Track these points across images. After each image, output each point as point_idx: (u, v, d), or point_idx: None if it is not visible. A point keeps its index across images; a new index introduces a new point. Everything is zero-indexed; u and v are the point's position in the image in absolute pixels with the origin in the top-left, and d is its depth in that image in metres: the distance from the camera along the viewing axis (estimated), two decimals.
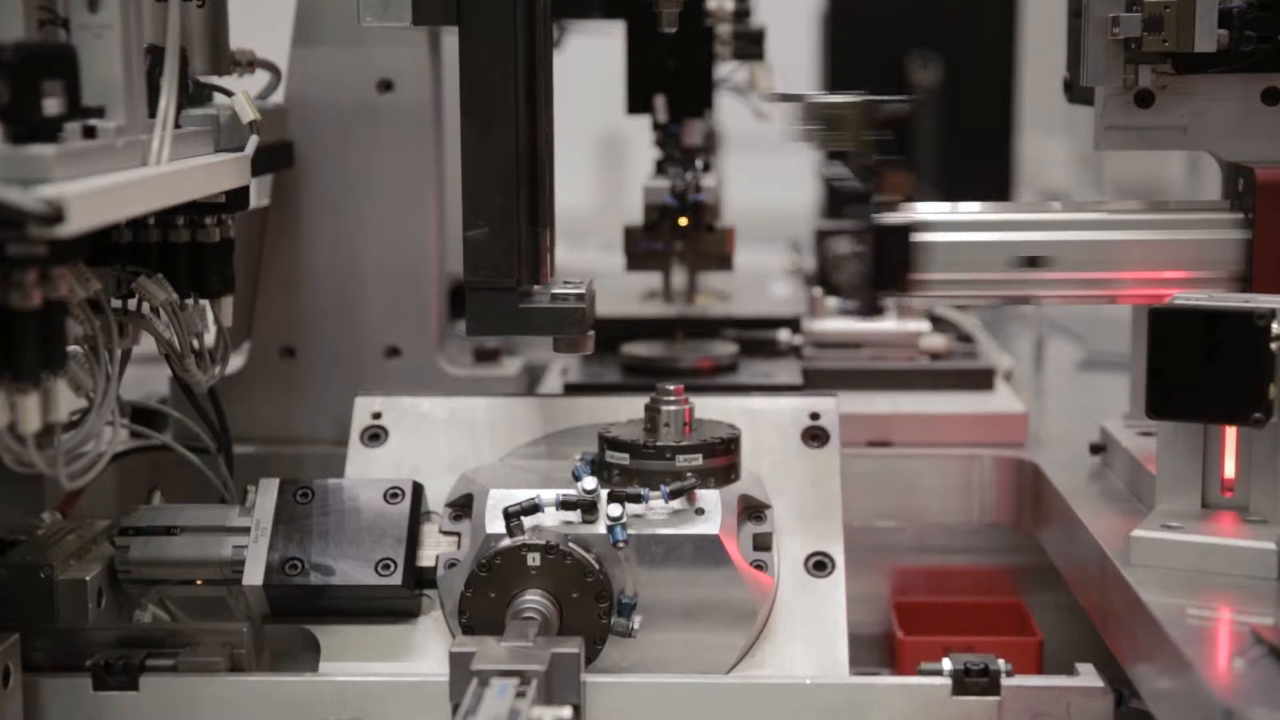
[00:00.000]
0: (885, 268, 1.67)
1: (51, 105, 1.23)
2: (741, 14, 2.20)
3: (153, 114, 1.41)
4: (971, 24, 3.23)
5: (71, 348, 1.35)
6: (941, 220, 1.68)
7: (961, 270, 1.70)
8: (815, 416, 1.68)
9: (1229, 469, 1.52)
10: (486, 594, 1.48)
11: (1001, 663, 1.45)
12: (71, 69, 1.28)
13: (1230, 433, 1.51)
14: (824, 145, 1.65)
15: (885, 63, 3.22)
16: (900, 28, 3.23)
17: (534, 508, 1.50)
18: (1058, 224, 1.71)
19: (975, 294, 1.78)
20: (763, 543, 1.57)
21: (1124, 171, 4.16)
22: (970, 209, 1.74)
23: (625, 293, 2.39)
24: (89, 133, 1.28)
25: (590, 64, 2.60)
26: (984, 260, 1.70)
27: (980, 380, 2.12)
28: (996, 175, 3.21)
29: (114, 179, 1.27)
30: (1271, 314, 1.44)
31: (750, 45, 2.23)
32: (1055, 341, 2.63)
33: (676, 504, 1.52)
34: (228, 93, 1.62)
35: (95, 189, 1.22)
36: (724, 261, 2.17)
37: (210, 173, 1.51)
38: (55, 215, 1.13)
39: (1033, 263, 1.67)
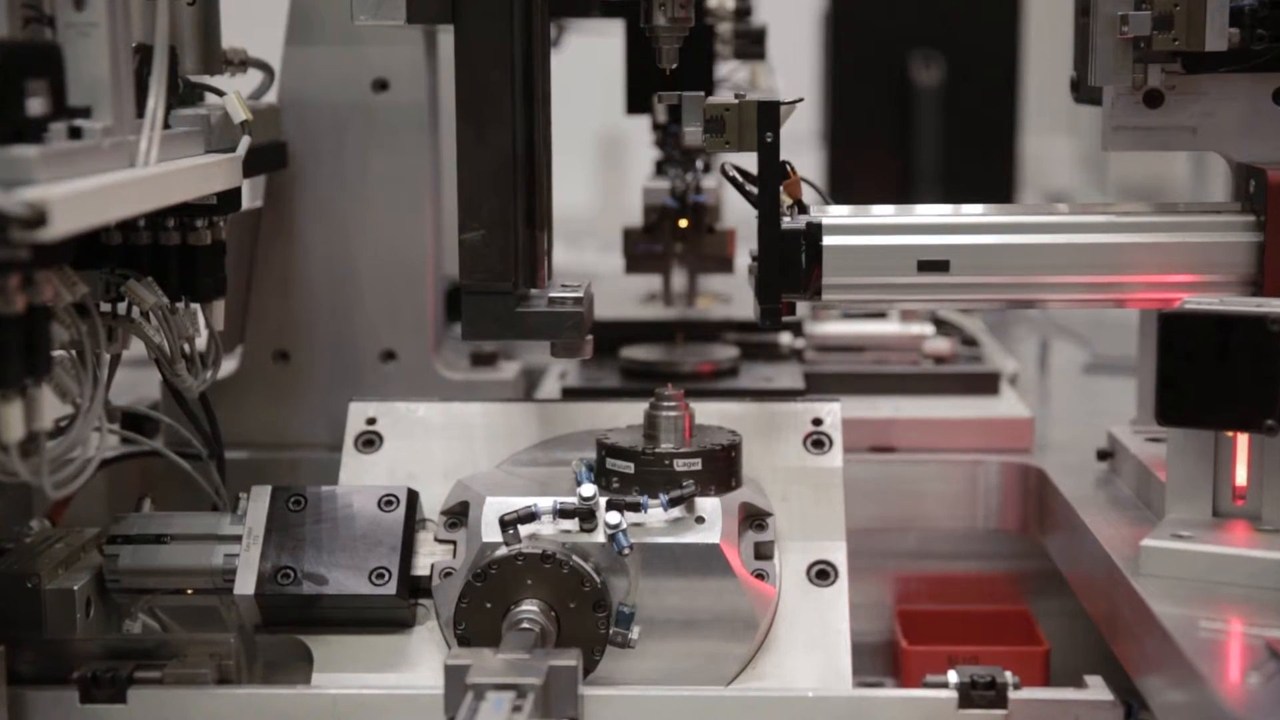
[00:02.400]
0: (789, 271, 1.63)
1: (35, 105, 1.21)
2: (742, 13, 2.18)
3: (141, 114, 1.38)
4: (974, 23, 3.20)
5: (58, 353, 1.33)
6: (842, 224, 1.65)
7: (861, 274, 1.66)
8: (817, 422, 1.65)
9: (1240, 477, 1.50)
10: (482, 604, 1.45)
11: (1009, 675, 1.43)
12: (57, 68, 1.26)
13: (1242, 439, 1.49)
14: (716, 146, 1.60)
15: (887, 62, 3.21)
16: (902, 27, 3.22)
17: (531, 516, 1.47)
18: (959, 227, 1.67)
19: (878, 298, 1.74)
20: (764, 551, 1.55)
21: (1128, 172, 4.14)
22: (871, 212, 1.69)
23: (624, 295, 2.37)
24: (74, 133, 1.26)
25: (590, 63, 2.58)
26: (887, 264, 1.66)
27: (985, 384, 2.10)
28: (999, 176, 3.19)
29: (100, 181, 1.24)
30: None
31: (751, 44, 2.21)
32: (1060, 344, 2.61)
33: (676, 512, 1.49)
34: (219, 92, 1.60)
35: (80, 191, 1.19)
36: (725, 264, 2.15)
37: (201, 174, 1.48)
38: (37, 218, 1.10)
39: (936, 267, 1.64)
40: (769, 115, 1.59)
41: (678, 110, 1.62)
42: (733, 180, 1.63)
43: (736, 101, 1.59)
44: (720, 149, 1.61)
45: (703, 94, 1.60)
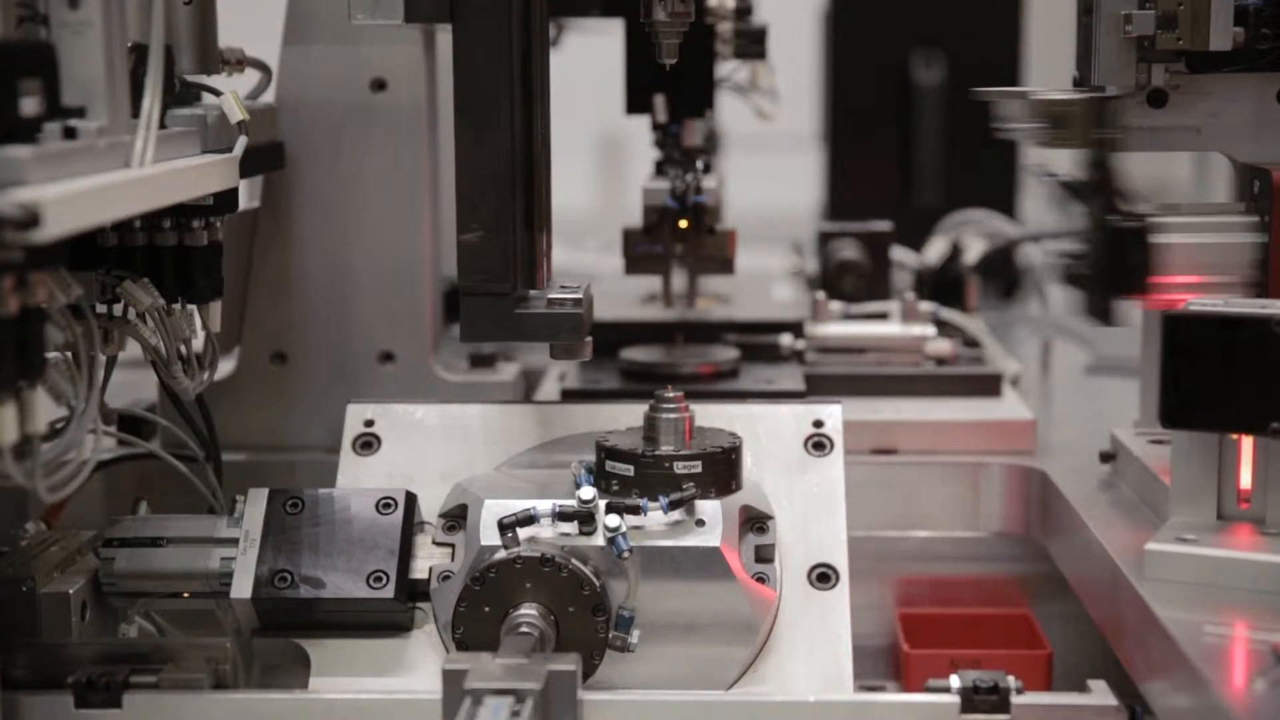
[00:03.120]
0: (1123, 270, 1.61)
1: (29, 105, 1.20)
2: (743, 12, 2.17)
3: (137, 114, 1.37)
4: (975, 22, 3.19)
5: (52, 355, 1.32)
6: (1179, 221, 1.63)
7: (1203, 272, 1.64)
8: (818, 424, 1.64)
9: (1245, 480, 1.49)
10: (481, 608, 1.44)
11: (1011, 680, 1.41)
12: (50, 67, 1.25)
13: (1246, 442, 1.48)
14: (1051, 144, 1.59)
15: (887, 62, 3.20)
16: (903, 26, 3.21)
17: (529, 519, 1.46)
18: None
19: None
20: (765, 554, 1.53)
21: (1128, 172, 4.13)
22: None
23: (624, 296, 2.36)
24: (69, 133, 1.25)
25: (589, 63, 2.57)
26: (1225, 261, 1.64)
27: (987, 386, 2.09)
28: (1001, 176, 3.17)
29: (94, 181, 1.23)
30: None
31: (751, 44, 2.20)
32: (1062, 345, 2.60)
33: (676, 515, 1.48)
34: (216, 92, 1.59)
35: (74, 192, 1.18)
36: (725, 264, 2.13)
37: (197, 174, 1.47)
38: (30, 219, 1.09)
39: None
40: (1100, 112, 1.57)
41: (677, 110, 1.61)
42: (1054, 179, 1.62)
43: (1075, 98, 1.58)
44: (1062, 146, 1.60)
45: (1036, 91, 1.60)
